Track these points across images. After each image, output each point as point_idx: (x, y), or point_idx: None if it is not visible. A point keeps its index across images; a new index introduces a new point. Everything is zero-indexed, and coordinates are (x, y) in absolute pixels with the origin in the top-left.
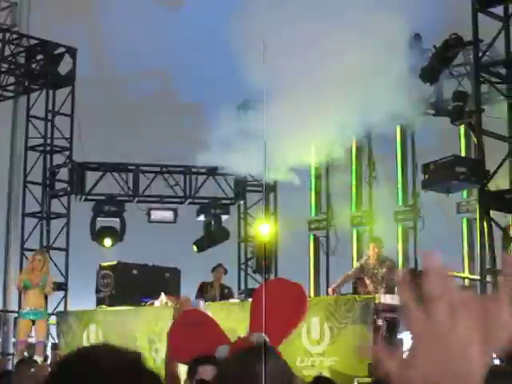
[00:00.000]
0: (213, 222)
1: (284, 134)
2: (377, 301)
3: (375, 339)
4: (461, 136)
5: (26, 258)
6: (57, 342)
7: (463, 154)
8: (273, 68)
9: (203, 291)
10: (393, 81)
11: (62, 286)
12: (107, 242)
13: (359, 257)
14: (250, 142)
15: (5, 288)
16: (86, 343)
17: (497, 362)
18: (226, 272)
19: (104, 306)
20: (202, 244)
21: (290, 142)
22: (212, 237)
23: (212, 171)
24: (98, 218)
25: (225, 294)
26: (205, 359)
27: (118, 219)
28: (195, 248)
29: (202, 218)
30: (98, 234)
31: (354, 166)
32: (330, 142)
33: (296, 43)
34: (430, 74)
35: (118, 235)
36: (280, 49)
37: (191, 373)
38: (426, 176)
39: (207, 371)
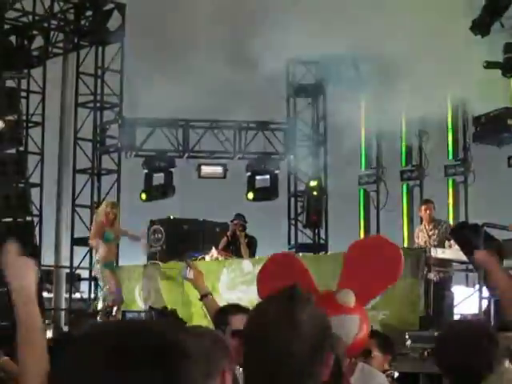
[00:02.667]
0: (262, 178)
1: None
2: (427, 254)
3: (426, 293)
4: (511, 89)
5: (78, 214)
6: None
7: None
8: None
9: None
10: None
11: None
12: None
13: (409, 211)
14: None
15: (57, 244)
16: (138, 298)
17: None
18: (242, 227)
19: (155, 261)
20: (254, 196)
21: None
22: (262, 192)
23: (262, 126)
24: (149, 174)
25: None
26: (235, 308)
27: (168, 175)
28: (250, 196)
29: (251, 173)
30: (148, 190)
31: (403, 119)
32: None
33: None
34: (480, 26)
35: (168, 191)
36: None
37: (220, 323)
38: (478, 128)
39: (240, 321)
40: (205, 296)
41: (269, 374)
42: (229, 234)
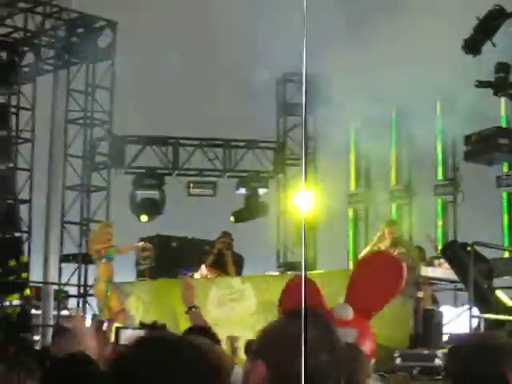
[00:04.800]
0: (251, 196)
1: None
2: (417, 273)
3: (416, 311)
4: (502, 108)
5: (67, 230)
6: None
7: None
8: None
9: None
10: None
11: None
12: (143, 217)
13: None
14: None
15: (45, 260)
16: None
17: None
18: (229, 245)
19: (144, 279)
20: (241, 216)
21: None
22: (251, 210)
23: (251, 144)
24: (138, 191)
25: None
26: (203, 331)
27: (157, 192)
28: (232, 219)
29: (241, 191)
30: (137, 207)
31: (393, 139)
32: (370, 116)
33: None
34: (472, 46)
35: (157, 208)
36: None
37: None
38: (468, 147)
39: None
40: (190, 309)
41: None
42: (215, 251)
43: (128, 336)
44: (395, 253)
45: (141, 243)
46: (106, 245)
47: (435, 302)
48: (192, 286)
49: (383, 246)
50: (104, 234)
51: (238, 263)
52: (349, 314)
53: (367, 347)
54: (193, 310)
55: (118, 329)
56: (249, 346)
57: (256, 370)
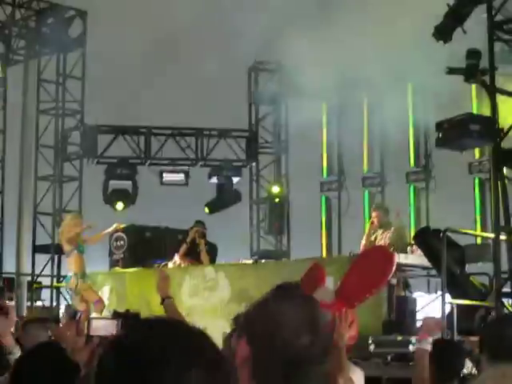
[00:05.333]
0: (224, 184)
1: None
2: None
3: (389, 298)
4: (473, 95)
5: (39, 221)
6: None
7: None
8: None
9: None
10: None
11: None
12: (119, 205)
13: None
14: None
15: (18, 251)
16: None
17: None
18: (202, 234)
19: (117, 268)
20: (214, 206)
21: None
22: (224, 199)
23: (223, 133)
24: (111, 181)
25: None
26: None
27: (130, 182)
28: (207, 210)
29: (213, 180)
30: (110, 197)
31: (365, 126)
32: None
33: None
34: (443, 33)
35: (130, 198)
36: None
37: None
38: (440, 134)
39: None
40: (165, 299)
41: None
42: (188, 240)
43: (100, 326)
44: (388, 235)
45: (113, 227)
46: (77, 236)
47: (408, 288)
48: (168, 276)
49: (372, 230)
50: (74, 225)
51: (212, 252)
52: (329, 296)
53: (342, 334)
54: (167, 300)
55: (90, 319)
56: (236, 319)
57: (240, 349)
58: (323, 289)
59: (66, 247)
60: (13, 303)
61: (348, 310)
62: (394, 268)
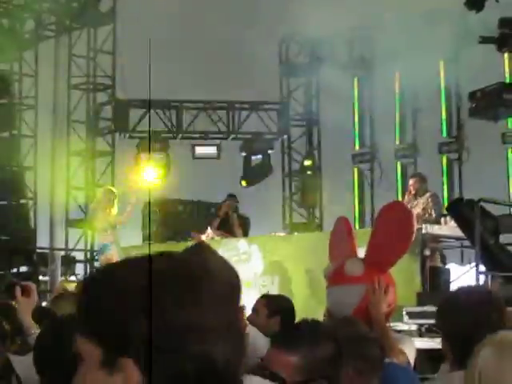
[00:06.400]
0: (256, 158)
1: None
2: (424, 231)
3: (422, 269)
4: (505, 64)
5: (73, 196)
6: None
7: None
8: None
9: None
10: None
11: None
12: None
13: (404, 189)
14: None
15: (51, 226)
16: None
17: None
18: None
19: (150, 241)
20: (249, 179)
21: None
22: (256, 172)
23: (255, 106)
24: (142, 155)
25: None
26: None
27: (162, 156)
28: (244, 183)
29: (245, 153)
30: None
31: (397, 98)
32: (373, 74)
33: None
34: (475, 2)
35: (162, 172)
36: None
37: None
38: (473, 104)
39: None
40: None
41: None
42: (221, 214)
43: None
44: (422, 204)
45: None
46: (109, 211)
47: (443, 259)
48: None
49: (407, 199)
50: (107, 199)
51: (245, 225)
52: (359, 268)
53: (372, 302)
54: None
55: None
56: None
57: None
58: (352, 260)
59: (99, 224)
60: (46, 277)
61: (381, 277)
62: (413, 221)
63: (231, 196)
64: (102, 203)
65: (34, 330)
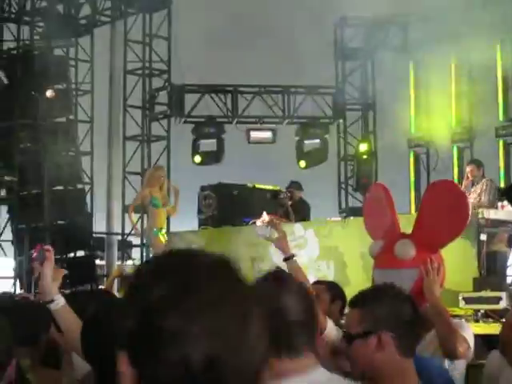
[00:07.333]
0: (311, 142)
1: None
2: (480, 216)
3: (479, 254)
4: None
5: (128, 180)
6: None
7: None
8: None
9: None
10: None
11: None
12: (197, 158)
13: (460, 173)
14: None
15: (108, 211)
16: None
17: None
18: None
19: (206, 227)
20: (307, 161)
21: None
22: (311, 156)
23: (311, 90)
24: (198, 140)
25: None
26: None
27: (218, 140)
28: (302, 164)
29: (300, 137)
30: (198, 155)
31: (453, 82)
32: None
33: None
34: None
35: (218, 156)
36: None
37: None
38: None
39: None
40: (288, 258)
41: None
42: (285, 203)
43: None
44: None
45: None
46: (155, 188)
47: (510, 243)
48: (285, 233)
49: (464, 186)
50: (155, 177)
51: (304, 210)
52: (411, 252)
53: (425, 286)
54: (290, 259)
55: None
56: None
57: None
58: (402, 242)
59: (143, 201)
60: (103, 262)
61: (432, 257)
62: (468, 202)
63: (294, 183)
64: (152, 180)
65: (56, 297)
